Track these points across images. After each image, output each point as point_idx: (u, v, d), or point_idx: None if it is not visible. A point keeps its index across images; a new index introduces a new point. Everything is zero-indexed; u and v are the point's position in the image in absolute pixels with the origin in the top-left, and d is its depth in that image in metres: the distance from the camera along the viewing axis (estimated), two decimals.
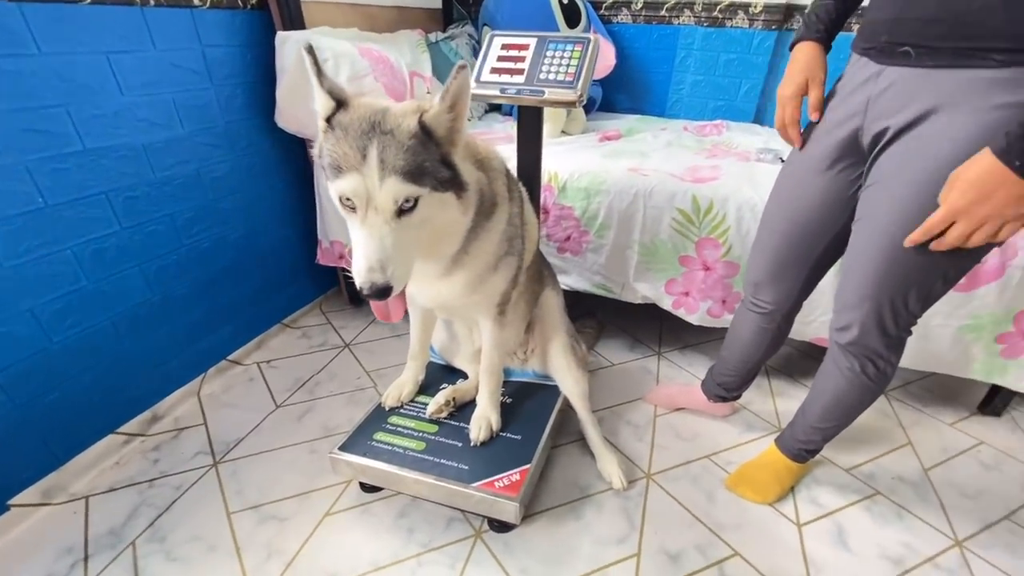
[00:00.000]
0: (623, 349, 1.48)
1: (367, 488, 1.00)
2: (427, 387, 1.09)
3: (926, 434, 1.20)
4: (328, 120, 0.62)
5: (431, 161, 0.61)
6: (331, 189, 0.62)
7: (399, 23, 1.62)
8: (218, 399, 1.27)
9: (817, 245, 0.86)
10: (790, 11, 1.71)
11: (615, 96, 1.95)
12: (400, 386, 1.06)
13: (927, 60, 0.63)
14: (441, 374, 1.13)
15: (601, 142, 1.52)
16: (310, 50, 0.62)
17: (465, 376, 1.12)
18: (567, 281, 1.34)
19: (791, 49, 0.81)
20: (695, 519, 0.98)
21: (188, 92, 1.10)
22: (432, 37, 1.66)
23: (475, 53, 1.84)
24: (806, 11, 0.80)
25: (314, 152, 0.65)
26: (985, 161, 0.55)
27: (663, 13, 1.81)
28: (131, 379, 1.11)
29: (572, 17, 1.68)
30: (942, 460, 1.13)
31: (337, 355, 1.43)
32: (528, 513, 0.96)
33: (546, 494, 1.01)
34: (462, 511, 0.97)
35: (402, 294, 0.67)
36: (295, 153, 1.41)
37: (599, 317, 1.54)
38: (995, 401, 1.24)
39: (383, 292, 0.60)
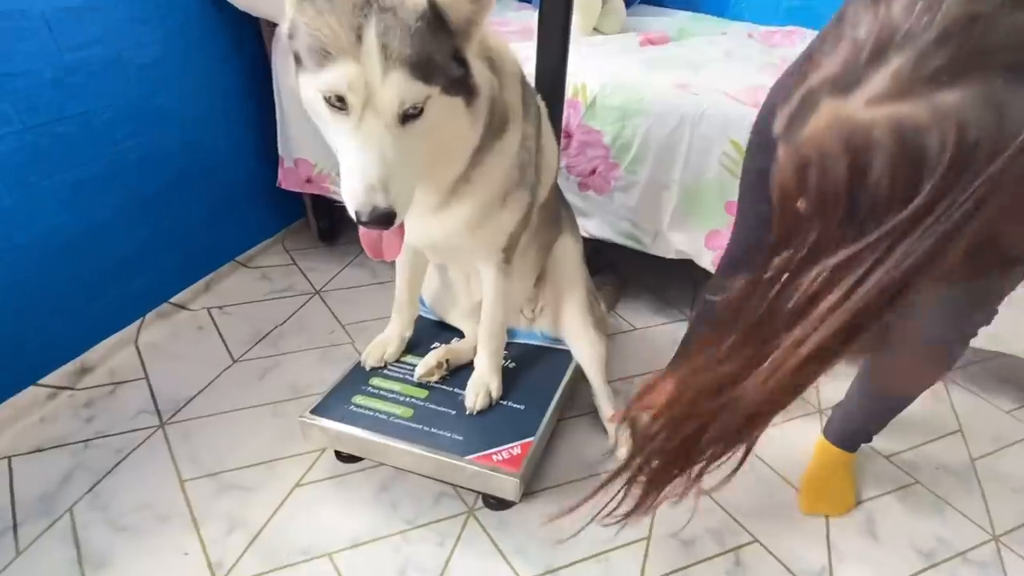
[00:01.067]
0: (647, 312, 1.48)
1: (344, 458, 1.02)
2: (415, 345, 1.09)
3: (980, 421, 1.25)
4: None
5: (442, 54, 0.56)
6: (310, 83, 0.56)
7: None
8: (161, 349, 1.26)
9: None
10: None
11: None
12: (383, 343, 1.06)
13: None
14: (432, 331, 1.13)
15: (643, 46, 1.45)
16: None
17: (460, 334, 1.12)
18: (587, 227, 1.31)
19: None
20: (712, 502, 1.02)
21: None
22: None
23: None
24: None
25: (283, 30, 0.58)
26: None
27: None
28: (51, 321, 1.08)
29: None
30: (992, 450, 1.19)
31: (306, 303, 1.43)
32: (527, 491, 0.99)
33: (549, 471, 1.04)
34: (454, 486, 0.99)
35: (401, 224, 0.63)
36: (248, 38, 1.30)
37: (620, 272, 1.52)
38: None
39: (386, 218, 0.57)
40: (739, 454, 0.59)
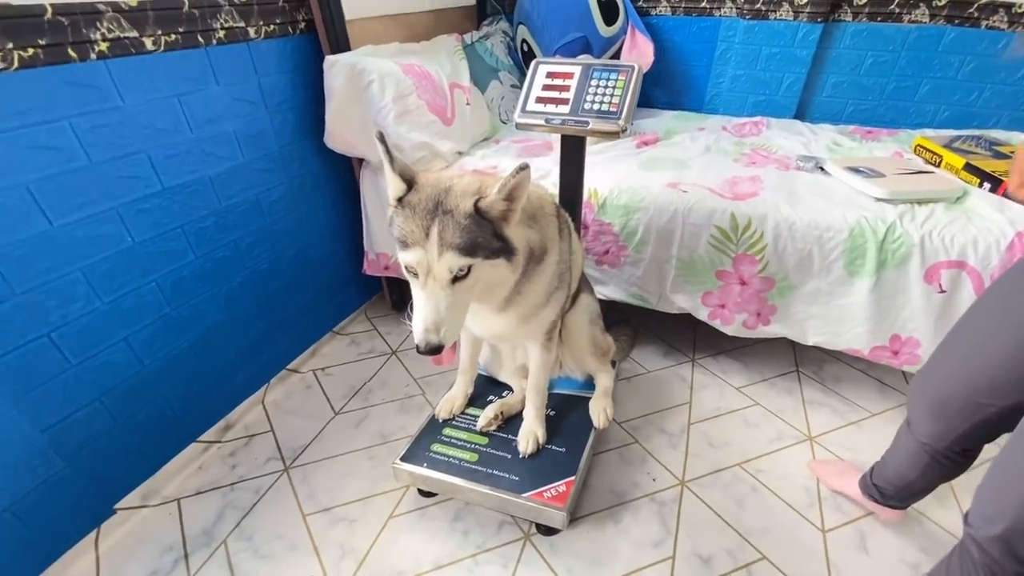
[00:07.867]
0: (657, 356, 1.53)
1: (424, 493, 1.11)
2: (475, 399, 1.18)
3: None
4: (399, 199, 0.71)
5: (484, 236, 0.69)
6: (399, 256, 0.71)
7: (436, 28, 1.63)
8: (281, 407, 1.38)
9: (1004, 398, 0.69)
10: (838, 1, 1.66)
11: (652, 91, 1.93)
12: (451, 400, 1.16)
13: None
14: (486, 387, 1.22)
15: (639, 148, 1.52)
16: (381, 138, 0.70)
17: (510, 388, 1.20)
18: (604, 291, 1.39)
19: None
20: (725, 524, 1.06)
21: (247, 122, 1.17)
22: (467, 39, 1.67)
23: (510, 51, 1.84)
24: None
25: (388, 215, 0.74)
26: None
27: (703, 4, 1.77)
28: (206, 392, 1.23)
29: (610, 13, 1.66)
30: None
31: (385, 362, 1.53)
32: (571, 518, 1.05)
33: (587, 500, 1.11)
34: (512, 516, 1.07)
35: (453, 345, 0.76)
36: (342, 170, 1.47)
37: (633, 324, 1.59)
38: None
39: (437, 350, 0.71)
40: None
